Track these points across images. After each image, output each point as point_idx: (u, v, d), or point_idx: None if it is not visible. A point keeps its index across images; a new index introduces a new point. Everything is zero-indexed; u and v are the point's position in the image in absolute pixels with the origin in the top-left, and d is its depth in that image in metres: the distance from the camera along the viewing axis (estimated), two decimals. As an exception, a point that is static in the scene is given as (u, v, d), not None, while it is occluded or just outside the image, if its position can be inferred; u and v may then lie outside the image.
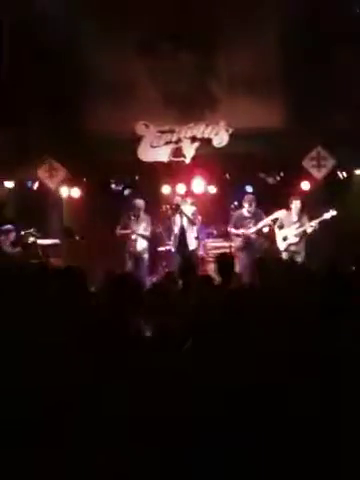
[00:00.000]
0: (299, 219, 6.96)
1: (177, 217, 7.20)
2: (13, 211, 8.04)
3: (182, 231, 7.17)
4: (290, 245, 6.95)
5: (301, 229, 6.88)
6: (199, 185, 8.06)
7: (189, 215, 7.17)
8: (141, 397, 1.89)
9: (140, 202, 7.38)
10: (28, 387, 1.88)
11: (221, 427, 1.80)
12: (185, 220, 7.17)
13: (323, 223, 6.82)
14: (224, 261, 4.51)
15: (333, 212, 6.71)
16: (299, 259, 6.89)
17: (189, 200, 7.28)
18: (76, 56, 7.25)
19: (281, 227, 7.03)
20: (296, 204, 6.98)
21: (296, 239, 6.92)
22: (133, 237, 7.21)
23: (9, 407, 1.82)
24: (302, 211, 7.00)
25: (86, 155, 7.84)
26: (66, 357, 2.08)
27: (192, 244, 7.24)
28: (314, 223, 6.80)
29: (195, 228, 7.28)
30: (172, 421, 1.82)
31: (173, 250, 7.29)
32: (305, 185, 7.69)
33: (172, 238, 7.28)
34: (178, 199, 7.23)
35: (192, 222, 7.16)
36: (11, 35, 7.14)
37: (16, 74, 7.13)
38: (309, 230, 6.84)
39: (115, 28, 7.06)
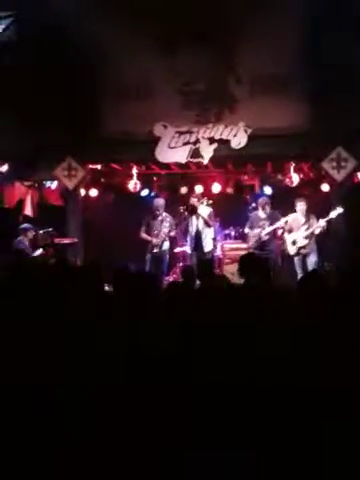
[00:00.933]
0: (307, 220, 6.88)
1: (193, 218, 7.19)
2: (32, 210, 8.14)
3: (198, 232, 7.16)
4: (300, 248, 6.87)
5: (310, 231, 6.80)
6: (217, 186, 8.06)
7: (205, 216, 7.15)
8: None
9: (160, 201, 7.46)
10: None
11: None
12: (201, 221, 7.15)
13: (333, 222, 6.71)
14: (247, 260, 4.45)
15: (340, 210, 6.60)
16: (312, 260, 6.83)
17: (205, 201, 7.26)
18: (95, 56, 7.26)
19: (290, 231, 6.97)
20: (301, 205, 6.91)
21: (306, 241, 6.84)
22: (160, 237, 7.25)
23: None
24: (308, 212, 6.93)
25: (105, 155, 7.89)
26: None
27: (209, 245, 7.23)
28: (322, 223, 6.70)
29: (212, 229, 7.26)
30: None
31: (189, 251, 7.29)
32: (325, 187, 7.60)
33: (188, 239, 7.27)
34: (194, 200, 7.21)
35: (208, 224, 7.14)
36: (29, 35, 7.19)
37: (36, 74, 7.18)
38: (317, 231, 6.76)
39: (134, 28, 7.04)
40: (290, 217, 6.88)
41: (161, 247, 7.31)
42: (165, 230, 7.27)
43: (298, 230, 6.89)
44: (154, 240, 7.29)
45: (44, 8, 6.78)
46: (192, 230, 7.19)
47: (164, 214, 7.40)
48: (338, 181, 7.25)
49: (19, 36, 7.04)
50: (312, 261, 6.85)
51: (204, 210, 7.20)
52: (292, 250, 6.91)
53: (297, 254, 6.91)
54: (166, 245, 7.39)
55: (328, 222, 6.69)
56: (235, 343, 2.27)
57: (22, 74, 7.09)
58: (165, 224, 7.31)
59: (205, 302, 3.03)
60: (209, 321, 2.51)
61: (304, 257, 6.87)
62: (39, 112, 7.10)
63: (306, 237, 6.83)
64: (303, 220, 6.90)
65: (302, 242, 6.86)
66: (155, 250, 7.30)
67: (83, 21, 6.79)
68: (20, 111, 7.03)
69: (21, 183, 8.07)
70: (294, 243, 6.90)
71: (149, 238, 7.33)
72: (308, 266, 6.80)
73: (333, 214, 6.65)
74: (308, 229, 6.81)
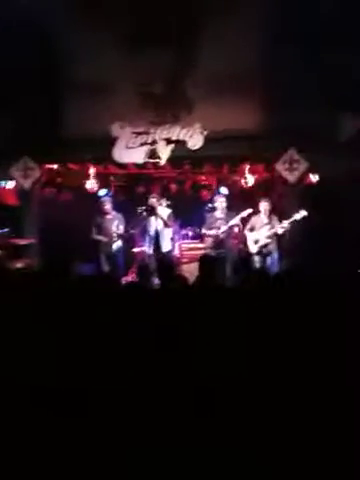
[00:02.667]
0: (269, 221, 7.07)
1: (152, 219, 7.27)
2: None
3: (157, 233, 7.25)
4: (262, 247, 7.06)
5: (272, 231, 6.99)
6: (174, 187, 8.17)
7: (164, 217, 7.24)
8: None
9: (107, 199, 7.51)
10: None
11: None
12: (160, 222, 7.24)
13: (295, 224, 6.87)
14: (206, 261, 4.59)
15: (303, 212, 6.77)
16: (271, 260, 7.05)
17: (164, 202, 7.35)
18: (54, 53, 7.20)
19: (252, 229, 7.13)
20: (265, 206, 7.08)
21: (268, 240, 7.02)
22: (113, 235, 7.30)
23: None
24: (272, 212, 7.11)
25: (62, 155, 7.84)
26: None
27: (167, 245, 7.33)
28: (285, 224, 6.88)
29: (170, 230, 7.37)
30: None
31: (148, 251, 7.37)
32: (279, 188, 7.84)
33: (147, 239, 7.34)
34: (153, 201, 7.29)
35: (167, 224, 7.24)
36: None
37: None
38: (280, 231, 6.93)
39: (96, 26, 7.03)
40: (246, 212, 7.01)
41: (112, 246, 7.35)
42: (115, 229, 7.31)
43: (260, 229, 7.06)
44: (105, 239, 7.33)
45: (10, 2, 6.64)
46: (151, 230, 7.27)
47: (113, 213, 7.45)
48: (291, 182, 7.52)
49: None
50: (274, 259, 7.01)
51: (163, 211, 7.29)
52: (254, 248, 7.08)
53: (258, 253, 7.08)
54: (118, 244, 7.40)
55: (291, 223, 6.83)
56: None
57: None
58: (115, 223, 7.34)
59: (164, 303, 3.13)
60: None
61: (265, 256, 7.04)
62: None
63: (268, 237, 7.00)
64: (266, 220, 7.06)
65: (264, 241, 7.02)
66: (107, 249, 7.34)
67: (46, 17, 6.71)
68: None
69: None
70: (256, 242, 7.06)
71: (100, 238, 7.36)
72: (269, 265, 6.96)
73: (297, 216, 6.77)
74: (271, 229, 6.99)
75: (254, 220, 7.11)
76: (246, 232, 7.15)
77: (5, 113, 7.07)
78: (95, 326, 2.56)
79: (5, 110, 7.10)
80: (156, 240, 7.25)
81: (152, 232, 7.27)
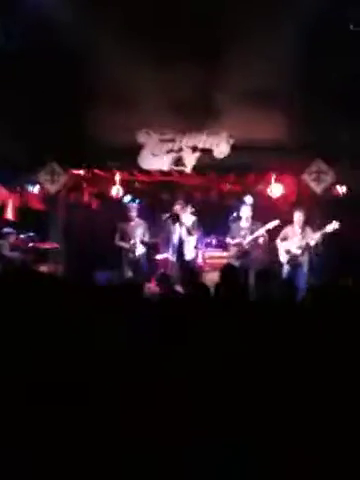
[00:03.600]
0: (302, 231, 6.96)
1: (176, 226, 7.25)
2: (13, 214, 8.08)
3: (180, 240, 7.22)
4: (292, 258, 6.95)
5: (304, 241, 6.87)
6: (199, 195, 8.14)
7: (189, 225, 7.21)
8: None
9: (133, 205, 7.55)
10: None
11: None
12: (184, 230, 7.21)
13: (326, 236, 6.74)
14: (228, 270, 4.53)
15: (335, 225, 6.61)
16: (302, 271, 6.92)
17: (189, 209, 7.32)
18: (83, 63, 7.27)
19: (284, 239, 7.03)
20: (299, 216, 6.98)
21: (299, 251, 6.91)
22: (132, 242, 7.31)
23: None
24: (305, 223, 7.00)
25: (88, 161, 7.90)
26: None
27: (191, 253, 7.29)
28: (317, 236, 6.76)
29: (194, 238, 7.33)
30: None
31: (171, 259, 7.34)
32: (305, 199, 7.74)
33: (170, 247, 7.32)
34: (178, 208, 7.27)
35: (190, 232, 7.20)
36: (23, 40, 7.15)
37: (23, 79, 7.15)
38: (312, 243, 6.81)
39: (125, 38, 7.08)
40: (273, 224, 6.94)
41: (135, 252, 7.35)
42: (139, 235, 7.31)
43: (292, 239, 6.96)
44: (128, 246, 7.34)
45: (39, 14, 6.75)
46: (175, 238, 7.24)
47: (137, 220, 7.49)
48: (318, 193, 7.42)
49: (5, 38, 6.98)
50: (303, 271, 6.90)
51: (188, 218, 7.26)
52: (284, 258, 6.98)
53: (288, 262, 6.96)
54: (141, 250, 7.42)
55: (323, 235, 6.71)
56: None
57: (6, 75, 7.04)
58: (139, 229, 7.37)
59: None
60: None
61: (294, 267, 6.93)
62: (23, 115, 7.08)
63: (299, 247, 6.90)
64: (299, 231, 6.96)
65: (295, 251, 6.92)
66: (130, 255, 7.36)
67: (76, 28, 6.80)
68: (2, 113, 7.00)
69: (2, 187, 8.00)
70: (288, 252, 6.97)
71: (124, 244, 7.38)
72: (298, 277, 6.82)
73: (329, 228, 6.62)
74: (303, 239, 6.89)
75: (287, 230, 7.02)
76: (278, 241, 7.06)
77: (33, 119, 7.16)
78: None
79: (33, 116, 7.18)
80: (179, 248, 7.22)
81: (176, 240, 7.24)
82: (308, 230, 6.94)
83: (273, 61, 6.98)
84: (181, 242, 7.21)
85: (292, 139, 7.24)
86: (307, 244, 6.85)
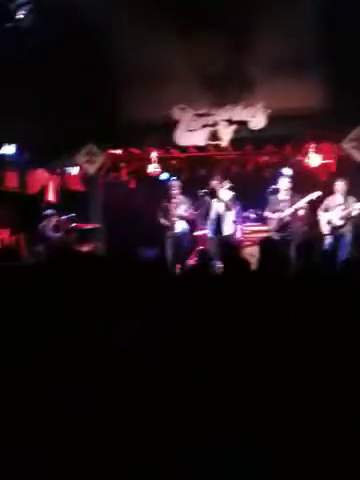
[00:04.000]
0: (345, 201, 6.79)
1: (214, 202, 7.23)
2: (54, 196, 8.28)
3: (218, 216, 7.20)
4: (335, 228, 6.82)
5: (346, 211, 6.72)
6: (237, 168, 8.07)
7: (226, 200, 7.18)
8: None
9: (175, 183, 7.52)
10: None
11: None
12: (222, 205, 7.19)
13: None
14: (267, 244, 4.50)
15: None
16: (345, 242, 6.78)
17: (226, 184, 7.27)
18: (112, 41, 7.26)
19: (326, 210, 6.89)
20: (341, 185, 6.81)
21: (341, 222, 6.76)
22: (173, 219, 7.34)
23: None
24: (348, 193, 6.83)
25: (124, 140, 7.95)
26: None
27: (229, 229, 7.27)
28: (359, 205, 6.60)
29: (232, 213, 7.30)
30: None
31: (210, 235, 7.35)
32: (346, 168, 7.53)
33: (208, 223, 7.32)
34: (215, 183, 7.24)
35: (229, 207, 7.17)
36: (50, 20, 7.18)
37: (55, 60, 7.21)
38: (354, 212, 6.67)
39: (151, 13, 7.00)
40: (314, 195, 6.81)
41: (178, 229, 7.38)
42: (182, 213, 7.33)
43: (334, 210, 6.82)
44: (170, 223, 7.37)
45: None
46: (212, 214, 7.24)
47: (180, 197, 7.44)
48: (358, 161, 7.21)
49: (39, 21, 7.01)
50: (346, 242, 6.73)
51: (225, 194, 7.22)
52: (326, 229, 6.87)
53: (331, 234, 6.83)
54: (183, 227, 7.43)
55: None
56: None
57: (42, 59, 7.11)
58: (182, 207, 7.36)
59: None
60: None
61: (337, 238, 6.80)
62: (59, 98, 7.16)
63: (342, 218, 6.76)
64: (341, 200, 6.81)
65: (337, 222, 6.79)
66: (172, 233, 7.39)
67: (101, 7, 6.77)
68: (41, 97, 7.10)
69: (43, 170, 8.19)
70: (329, 223, 6.84)
71: (166, 222, 7.41)
72: (340, 248, 6.68)
73: None
74: (345, 210, 6.74)
75: (329, 200, 6.86)
76: (320, 212, 6.93)
77: (69, 101, 7.24)
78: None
79: (69, 98, 7.26)
80: (218, 223, 7.21)
81: (214, 215, 7.23)
82: (350, 200, 6.78)
83: (305, 29, 6.76)
84: (219, 217, 7.20)
85: (329, 107, 7.03)
86: (349, 213, 6.71)
